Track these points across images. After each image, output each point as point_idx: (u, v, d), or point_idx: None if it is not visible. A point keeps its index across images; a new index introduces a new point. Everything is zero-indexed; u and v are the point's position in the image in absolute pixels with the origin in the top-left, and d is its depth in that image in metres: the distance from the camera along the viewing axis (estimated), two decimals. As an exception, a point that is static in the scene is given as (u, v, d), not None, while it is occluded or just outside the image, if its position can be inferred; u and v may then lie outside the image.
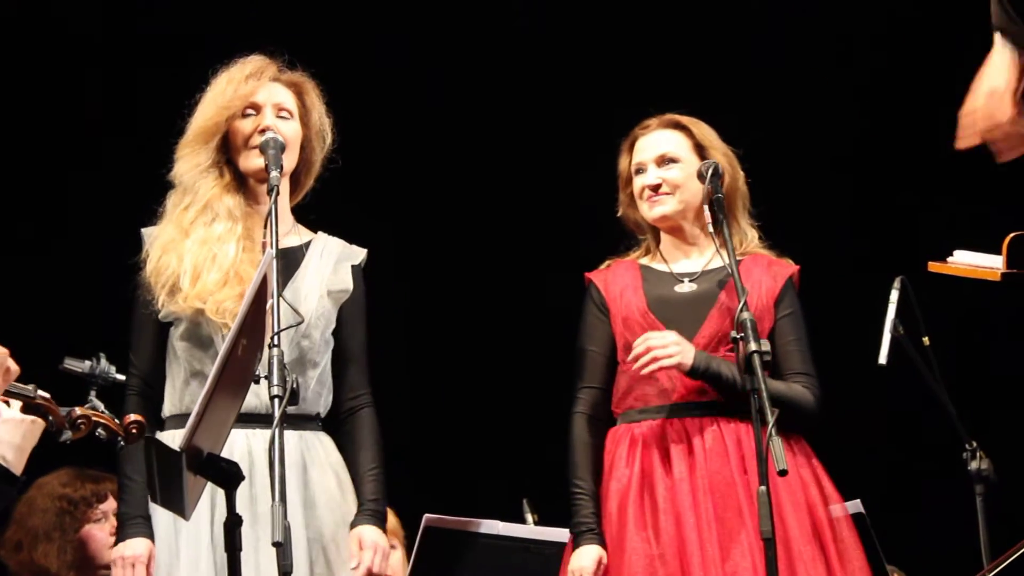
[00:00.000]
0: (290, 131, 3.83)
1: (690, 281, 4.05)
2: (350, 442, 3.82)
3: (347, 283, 3.88)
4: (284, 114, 3.84)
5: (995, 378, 5.72)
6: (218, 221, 3.78)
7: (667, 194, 4.05)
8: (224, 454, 3.21)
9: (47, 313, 5.41)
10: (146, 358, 3.78)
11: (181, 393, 3.74)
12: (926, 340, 4.39)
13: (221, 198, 3.79)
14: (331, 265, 3.88)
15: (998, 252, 3.47)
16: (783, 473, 3.55)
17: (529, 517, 4.88)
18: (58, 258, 5.58)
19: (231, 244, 3.75)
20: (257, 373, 3.34)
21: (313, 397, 3.78)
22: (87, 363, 3.27)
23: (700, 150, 4.08)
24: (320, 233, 3.95)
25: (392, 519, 4.75)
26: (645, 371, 3.86)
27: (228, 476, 3.11)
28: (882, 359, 4.25)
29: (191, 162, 3.81)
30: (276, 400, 3.32)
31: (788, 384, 3.95)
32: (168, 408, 3.77)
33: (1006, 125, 2.97)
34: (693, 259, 4.09)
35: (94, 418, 3.23)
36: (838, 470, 3.99)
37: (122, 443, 3.29)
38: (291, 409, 3.45)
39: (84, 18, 5.71)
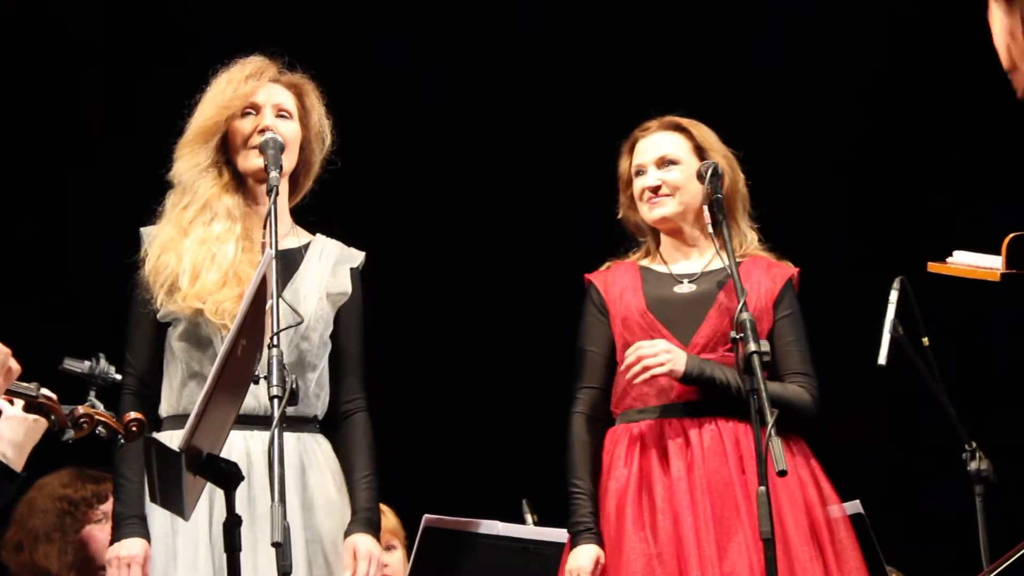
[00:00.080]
0: (289, 132, 3.83)
1: (689, 282, 4.05)
2: (344, 447, 3.82)
3: (346, 286, 3.87)
4: (284, 115, 3.84)
5: (995, 378, 5.72)
6: (217, 221, 3.78)
7: (667, 196, 4.06)
8: (222, 455, 3.20)
9: (47, 313, 5.41)
10: (143, 358, 3.78)
11: (179, 393, 3.74)
12: (926, 340, 4.39)
13: (220, 198, 3.79)
14: (330, 267, 3.88)
15: (998, 252, 3.47)
16: (782, 474, 3.55)
17: (529, 518, 4.88)
18: (58, 258, 5.58)
19: (230, 244, 3.75)
20: (256, 373, 3.34)
21: (311, 399, 3.78)
22: (87, 363, 3.27)
23: (700, 152, 4.08)
24: (319, 235, 3.95)
25: (392, 519, 4.76)
26: (637, 381, 3.87)
27: (228, 476, 3.11)
28: (882, 359, 4.24)
29: (190, 162, 3.81)
30: (275, 400, 3.32)
31: (784, 385, 3.95)
32: (165, 408, 3.76)
33: None
34: (693, 260, 4.10)
35: (96, 417, 3.23)
36: (838, 470, 3.99)
37: (122, 441, 3.29)
38: (290, 411, 3.45)
39: (84, 18, 5.70)
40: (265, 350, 3.36)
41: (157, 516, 3.65)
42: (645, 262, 4.14)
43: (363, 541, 3.72)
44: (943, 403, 4.42)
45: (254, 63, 3.86)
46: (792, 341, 4.00)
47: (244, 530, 3.18)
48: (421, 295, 5.90)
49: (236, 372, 3.16)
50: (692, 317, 3.98)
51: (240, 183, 3.84)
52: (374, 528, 3.76)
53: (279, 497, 3.21)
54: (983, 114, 5.81)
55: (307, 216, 3.97)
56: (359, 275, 3.92)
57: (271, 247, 3.49)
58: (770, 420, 3.61)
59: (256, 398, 3.59)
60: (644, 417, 3.95)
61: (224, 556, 3.18)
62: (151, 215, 3.88)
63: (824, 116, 5.90)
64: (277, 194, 3.64)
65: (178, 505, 3.07)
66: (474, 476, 5.67)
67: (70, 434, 3.23)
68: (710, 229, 3.99)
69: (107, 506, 4.50)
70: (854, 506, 4.10)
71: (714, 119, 4.18)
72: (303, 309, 3.72)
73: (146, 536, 3.68)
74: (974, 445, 4.42)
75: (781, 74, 5.92)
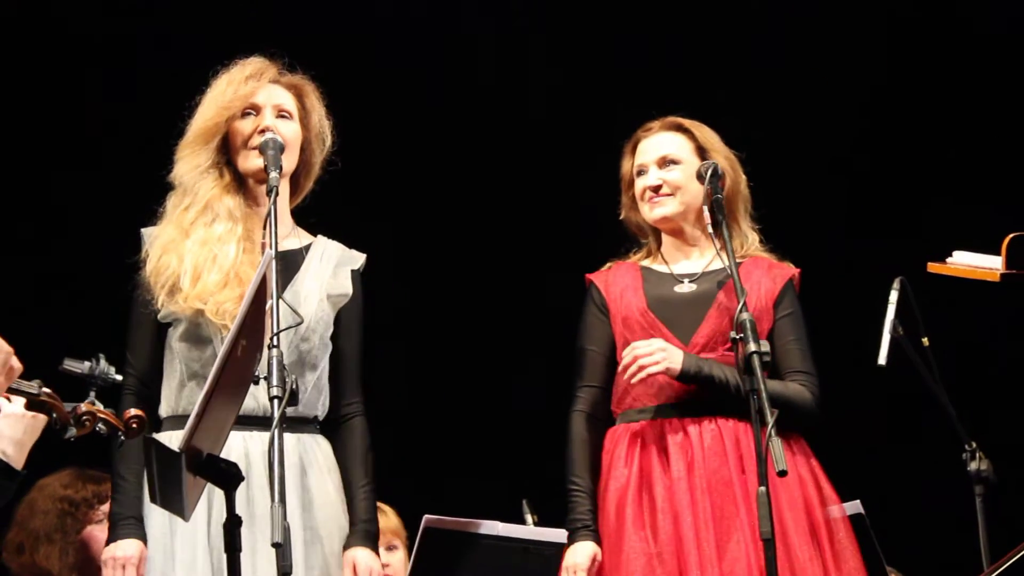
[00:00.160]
0: (290, 132, 3.83)
1: (690, 282, 4.06)
2: (342, 454, 3.81)
3: (346, 287, 3.87)
4: (284, 115, 3.84)
5: (995, 378, 5.72)
6: (218, 222, 3.78)
7: (668, 195, 4.06)
8: (221, 456, 3.20)
9: (47, 313, 5.41)
10: (143, 358, 3.78)
11: (178, 394, 3.74)
12: (926, 340, 4.39)
13: (221, 199, 3.79)
14: (331, 269, 3.88)
15: (998, 252, 3.47)
16: (783, 474, 3.56)
17: (529, 518, 4.88)
18: (58, 258, 5.58)
19: (231, 245, 3.75)
20: (256, 374, 3.34)
21: (311, 400, 3.78)
22: (87, 364, 3.27)
23: (702, 152, 4.09)
24: (320, 236, 3.95)
25: (394, 519, 4.76)
26: (634, 380, 3.87)
27: (228, 477, 3.11)
28: (882, 359, 4.24)
29: (191, 163, 3.81)
30: (275, 401, 3.32)
31: (785, 383, 3.95)
32: (165, 409, 3.76)
33: None
34: (694, 260, 4.10)
35: (98, 414, 3.23)
36: (838, 470, 3.99)
37: (122, 438, 3.29)
38: (289, 412, 3.45)
39: (84, 18, 5.70)
40: (265, 351, 3.36)
41: (155, 516, 3.65)
42: (646, 262, 4.14)
43: (363, 556, 3.72)
44: (943, 403, 4.42)
45: (254, 64, 3.86)
46: (793, 340, 4.01)
47: (243, 531, 3.18)
48: (421, 295, 5.90)
49: (236, 373, 3.16)
50: (692, 317, 3.98)
51: (241, 184, 3.84)
52: (373, 541, 3.77)
53: (279, 498, 3.21)
54: (983, 114, 5.83)
55: (308, 217, 3.97)
56: (360, 277, 3.92)
57: (271, 248, 3.49)
58: (770, 420, 3.61)
59: (255, 399, 3.59)
60: (644, 417, 3.95)
61: (222, 556, 3.19)
62: (151, 216, 3.88)
63: (824, 116, 5.90)
64: (277, 195, 3.64)
65: (178, 506, 3.07)
66: (474, 476, 5.67)
67: (72, 431, 3.23)
68: (710, 230, 4.00)
69: (108, 506, 4.50)
70: (854, 506, 4.10)
71: (714, 120, 4.18)
72: (303, 310, 3.72)
73: (142, 537, 3.68)
74: (974, 445, 4.42)
75: (781, 75, 5.92)
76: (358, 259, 3.94)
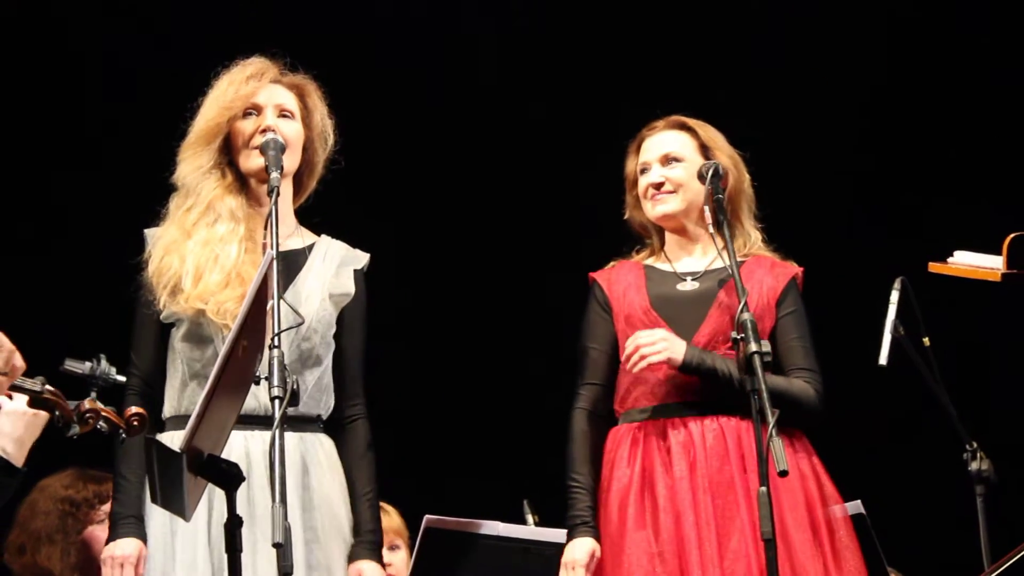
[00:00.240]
0: (292, 132, 3.83)
1: (693, 280, 4.06)
2: (346, 458, 3.81)
3: (349, 287, 3.87)
4: (286, 115, 3.84)
5: (995, 378, 5.72)
6: (220, 222, 3.77)
7: (670, 192, 4.06)
8: (222, 456, 3.20)
9: (47, 313, 5.41)
10: (147, 358, 3.78)
11: (180, 394, 3.74)
12: (926, 340, 4.39)
13: (223, 199, 3.79)
14: (334, 268, 3.88)
15: (998, 252, 3.47)
16: (784, 474, 3.56)
17: (530, 518, 4.89)
18: (58, 258, 5.58)
19: (233, 245, 3.75)
20: (257, 374, 3.34)
21: (314, 399, 3.77)
22: (87, 364, 3.28)
23: (705, 151, 4.09)
24: (323, 236, 3.94)
25: (396, 519, 4.76)
26: (635, 369, 3.87)
27: (229, 477, 3.11)
28: (882, 359, 4.24)
29: (193, 164, 3.81)
30: (276, 401, 3.32)
31: (789, 380, 3.95)
32: (168, 409, 3.76)
33: None
34: (696, 258, 4.10)
35: (101, 412, 3.24)
36: (838, 470, 3.99)
37: (123, 436, 3.30)
38: (291, 411, 3.45)
39: (84, 18, 5.70)
40: (266, 351, 3.36)
41: (156, 516, 3.65)
42: (650, 261, 4.14)
43: (369, 568, 3.73)
44: (943, 403, 4.42)
45: (255, 64, 3.86)
46: (796, 338, 4.01)
47: (244, 530, 3.18)
48: (423, 295, 5.90)
49: (237, 373, 3.16)
50: (694, 315, 3.98)
51: (243, 184, 3.84)
52: (378, 552, 3.77)
53: (280, 498, 3.21)
54: (983, 114, 5.83)
55: (310, 217, 3.97)
56: (363, 277, 3.92)
57: (272, 248, 3.49)
58: (771, 420, 3.61)
59: (256, 398, 3.59)
60: (647, 417, 3.95)
61: (223, 556, 3.19)
62: (152, 216, 3.88)
63: (825, 117, 5.90)
64: (278, 195, 3.63)
65: (179, 506, 3.08)
66: (476, 476, 5.68)
67: (75, 429, 3.24)
68: (711, 229, 4.00)
69: (109, 506, 4.50)
70: (855, 506, 4.10)
71: (714, 120, 4.18)
72: (304, 310, 3.72)
73: (141, 536, 3.68)
74: (975, 445, 4.42)
75: (781, 75, 5.92)
76: (362, 259, 3.94)
